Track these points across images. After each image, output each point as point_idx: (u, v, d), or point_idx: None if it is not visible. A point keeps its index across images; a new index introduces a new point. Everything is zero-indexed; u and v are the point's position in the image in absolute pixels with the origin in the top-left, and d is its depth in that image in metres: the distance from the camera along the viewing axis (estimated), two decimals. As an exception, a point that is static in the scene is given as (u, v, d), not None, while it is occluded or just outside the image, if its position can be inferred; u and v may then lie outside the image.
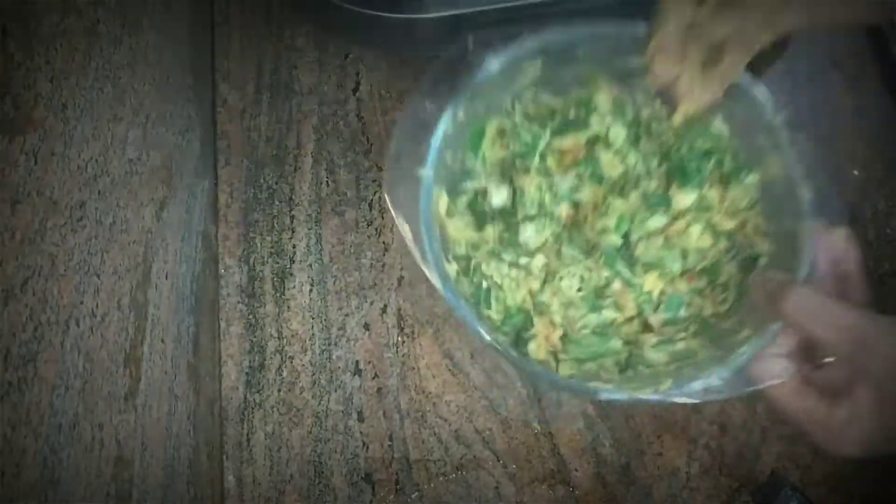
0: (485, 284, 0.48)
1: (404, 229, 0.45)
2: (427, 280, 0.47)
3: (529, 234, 0.48)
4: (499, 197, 0.49)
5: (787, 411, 0.42)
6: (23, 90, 0.41)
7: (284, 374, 0.68)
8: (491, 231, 0.49)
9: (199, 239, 0.68)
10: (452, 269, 0.46)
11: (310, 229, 0.73)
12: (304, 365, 0.68)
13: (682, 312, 0.47)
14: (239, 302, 0.70)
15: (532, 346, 0.46)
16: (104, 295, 0.47)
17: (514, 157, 0.50)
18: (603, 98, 0.49)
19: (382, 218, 0.73)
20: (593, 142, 0.50)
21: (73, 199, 0.45)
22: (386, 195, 0.47)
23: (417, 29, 0.72)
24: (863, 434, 0.39)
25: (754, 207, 0.48)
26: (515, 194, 0.49)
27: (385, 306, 0.70)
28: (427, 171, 0.45)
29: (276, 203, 0.74)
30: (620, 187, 0.49)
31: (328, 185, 0.75)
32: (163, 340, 0.57)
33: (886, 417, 0.38)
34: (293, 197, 0.74)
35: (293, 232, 0.73)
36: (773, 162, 0.46)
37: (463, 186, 0.50)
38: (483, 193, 0.50)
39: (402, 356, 0.68)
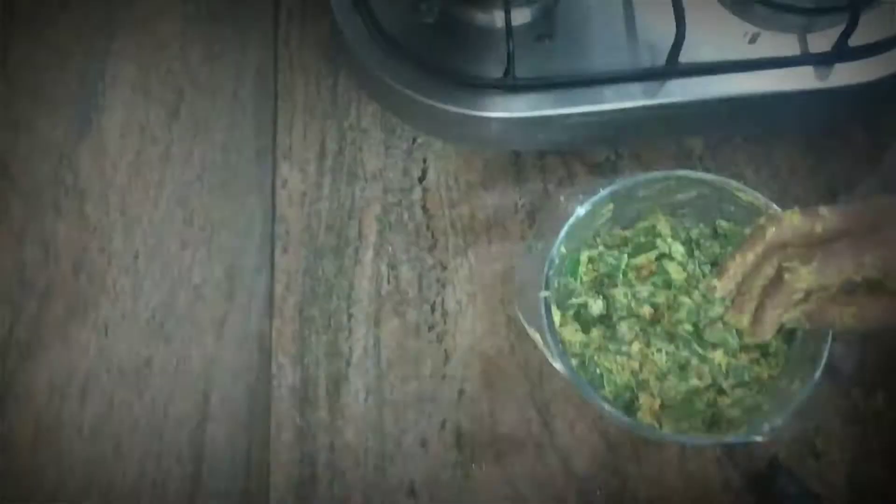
0: (598, 371, 0.62)
1: (535, 336, 0.59)
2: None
3: (624, 330, 0.62)
4: (596, 307, 0.63)
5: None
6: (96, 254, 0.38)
7: (335, 489, 0.65)
8: (595, 333, 0.63)
9: (255, 341, 0.65)
10: (573, 363, 0.61)
11: (368, 330, 0.70)
12: (356, 480, 0.65)
13: (746, 377, 0.60)
14: (291, 406, 0.67)
15: (640, 414, 0.61)
16: (166, 456, 0.44)
17: (604, 277, 0.65)
18: (662, 225, 0.65)
19: (445, 323, 0.70)
20: (660, 258, 0.64)
21: (139, 359, 0.41)
22: (519, 314, 0.62)
23: (490, 126, 0.69)
24: None
25: None
26: (608, 303, 0.63)
27: (444, 421, 0.67)
28: (546, 293, 0.60)
29: (334, 299, 0.70)
30: (685, 289, 0.63)
31: (389, 282, 0.71)
32: (218, 469, 0.54)
33: None
34: (352, 293, 0.71)
35: (350, 332, 0.69)
36: None
37: (569, 302, 0.63)
38: (584, 306, 0.63)
39: (460, 478, 0.65)
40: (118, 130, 0.41)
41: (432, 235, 0.72)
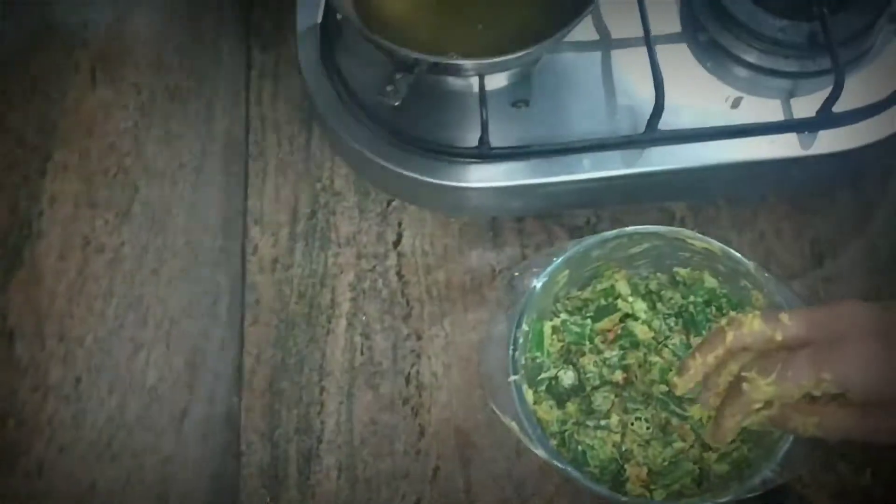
0: (580, 448, 0.60)
1: (511, 426, 0.57)
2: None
3: (599, 400, 0.61)
4: (568, 378, 0.62)
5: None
6: (28, 394, 0.35)
7: (306, 575, 0.63)
8: (571, 407, 0.61)
9: (222, 422, 0.63)
10: (553, 444, 0.60)
11: (340, 404, 0.67)
12: (327, 565, 0.63)
13: None
14: (261, 486, 0.65)
15: (629, 486, 0.59)
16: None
17: (570, 345, 0.63)
18: (621, 284, 0.64)
19: (420, 396, 0.68)
20: (624, 319, 0.63)
21: (81, 487, 0.39)
22: (492, 404, 0.58)
23: (466, 195, 0.67)
24: None
25: None
26: (580, 373, 0.62)
27: (418, 500, 0.64)
28: (515, 377, 0.58)
29: (306, 371, 0.68)
30: (654, 347, 0.62)
31: (363, 352, 0.69)
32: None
33: None
34: (324, 364, 0.68)
35: (322, 406, 0.67)
36: (757, 297, 0.60)
37: (539, 377, 0.62)
38: (555, 379, 0.62)
39: (435, 562, 0.63)
40: (56, 254, 0.39)
41: (407, 303, 0.70)
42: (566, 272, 0.61)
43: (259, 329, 0.69)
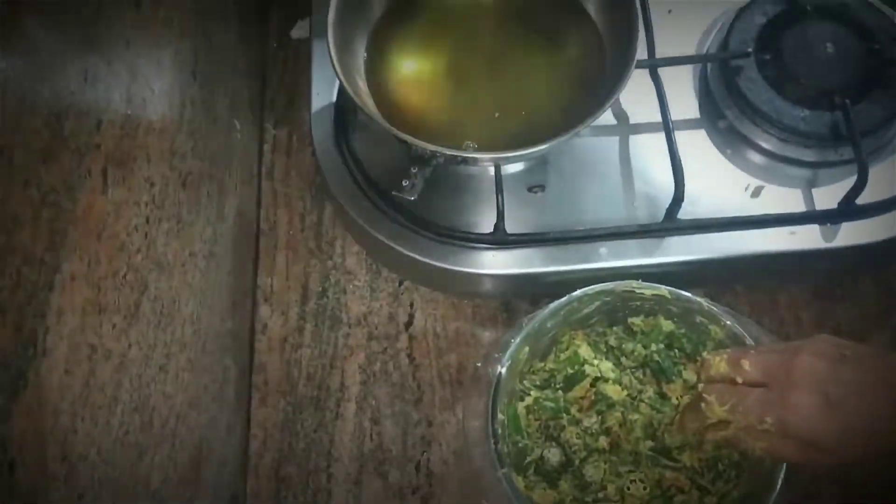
0: None
1: None
2: None
3: (591, 471, 0.60)
4: (554, 456, 0.60)
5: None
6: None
7: None
8: (564, 485, 0.60)
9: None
10: None
11: (348, 492, 0.66)
12: None
13: (720, 467, 0.59)
14: (264, 579, 0.63)
15: None
16: None
17: (548, 422, 0.62)
18: (583, 348, 0.63)
19: (430, 485, 0.66)
20: (595, 383, 0.62)
21: None
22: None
23: (480, 281, 0.66)
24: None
25: None
26: (564, 448, 0.61)
27: None
28: (505, 472, 0.56)
29: (313, 456, 0.67)
30: (630, 404, 0.61)
31: (372, 438, 0.67)
32: None
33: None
34: (332, 450, 0.67)
35: (329, 494, 0.66)
36: (715, 330, 0.61)
37: (526, 462, 0.60)
38: (541, 459, 0.60)
39: None
40: (62, 369, 0.38)
41: (418, 387, 0.69)
42: (526, 349, 0.61)
43: (266, 411, 0.68)
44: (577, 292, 0.60)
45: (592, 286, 0.60)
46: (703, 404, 0.51)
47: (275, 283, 0.72)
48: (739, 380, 0.50)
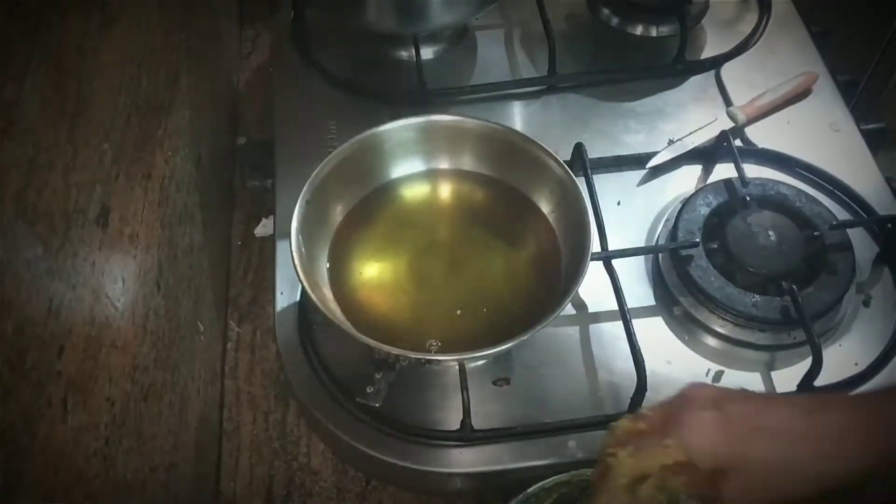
0: None
1: None
2: None
3: None
4: None
5: None
6: None
7: None
8: None
9: None
10: None
11: None
12: None
13: None
14: None
15: None
16: None
17: None
18: None
19: None
20: None
21: None
22: None
23: (448, 480, 0.64)
24: None
25: None
26: None
27: None
28: None
29: None
30: None
31: None
32: None
33: None
34: None
35: None
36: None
37: None
38: None
39: None
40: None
41: None
42: None
43: None
44: (533, 487, 0.60)
45: (549, 479, 0.60)
46: (609, 459, 0.51)
47: (238, 488, 0.70)
48: (643, 425, 0.52)
